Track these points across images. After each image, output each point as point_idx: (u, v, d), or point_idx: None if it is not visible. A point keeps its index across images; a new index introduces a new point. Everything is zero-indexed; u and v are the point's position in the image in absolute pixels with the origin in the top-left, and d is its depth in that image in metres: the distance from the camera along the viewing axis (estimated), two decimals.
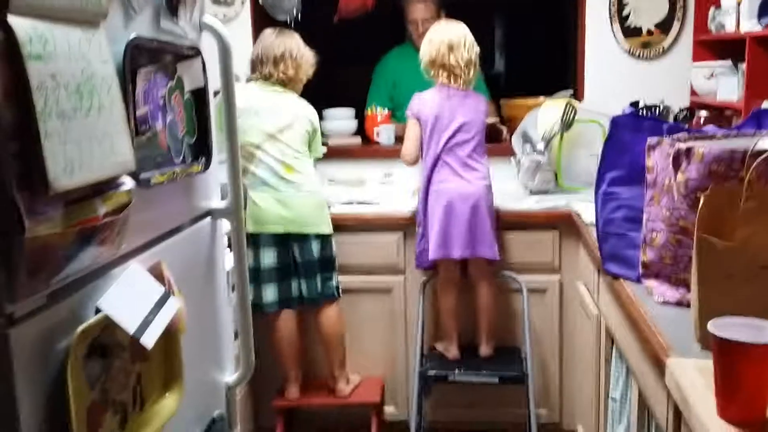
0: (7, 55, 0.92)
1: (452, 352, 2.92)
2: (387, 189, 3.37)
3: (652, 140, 1.79)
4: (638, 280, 1.89)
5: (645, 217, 1.83)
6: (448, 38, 2.78)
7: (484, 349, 2.91)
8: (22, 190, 0.94)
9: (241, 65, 3.43)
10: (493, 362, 2.90)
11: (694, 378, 1.32)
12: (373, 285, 3.07)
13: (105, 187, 1.13)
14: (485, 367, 2.86)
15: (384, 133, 3.56)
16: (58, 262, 1.02)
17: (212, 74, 1.64)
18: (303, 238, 2.82)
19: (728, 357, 1.14)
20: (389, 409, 3.14)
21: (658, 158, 1.77)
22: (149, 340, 1.17)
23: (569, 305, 2.97)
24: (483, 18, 6.88)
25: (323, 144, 3.48)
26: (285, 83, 2.87)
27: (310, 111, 2.91)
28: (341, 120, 3.69)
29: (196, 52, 1.55)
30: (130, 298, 1.19)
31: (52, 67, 0.99)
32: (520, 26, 6.66)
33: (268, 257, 2.84)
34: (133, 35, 1.27)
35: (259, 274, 2.85)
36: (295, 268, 2.89)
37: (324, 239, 2.86)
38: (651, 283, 1.83)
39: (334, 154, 3.53)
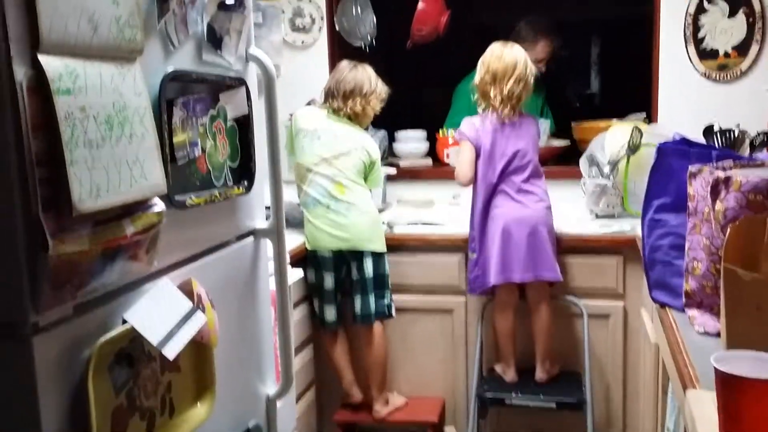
0: (37, 89, 1.03)
1: (509, 375, 2.92)
2: (454, 210, 3.41)
3: (693, 168, 1.77)
4: (683, 309, 1.87)
5: (687, 245, 1.80)
6: (494, 68, 2.80)
7: (539, 374, 2.90)
8: (48, 211, 1.04)
9: (318, 89, 3.57)
10: (551, 387, 2.88)
11: (709, 411, 1.30)
12: (435, 305, 3.10)
13: (135, 208, 1.23)
14: (543, 392, 2.85)
15: (454, 156, 3.60)
16: (84, 277, 1.13)
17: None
18: (358, 256, 2.89)
19: (730, 392, 1.13)
20: (449, 429, 3.15)
21: (698, 186, 1.75)
22: (171, 351, 1.26)
23: (634, 332, 2.92)
24: (580, 37, 6.87)
25: (393, 165, 3.57)
26: (351, 118, 2.96)
27: (370, 143, 2.97)
28: (413, 142, 3.75)
29: (240, 82, 1.64)
30: (156, 311, 1.28)
31: (81, 100, 1.09)
32: (612, 47, 6.59)
33: (328, 279, 2.92)
34: (170, 68, 1.37)
35: (321, 293, 2.95)
36: (351, 286, 2.96)
37: (378, 257, 2.91)
38: (693, 312, 1.80)
39: (405, 174, 3.61)
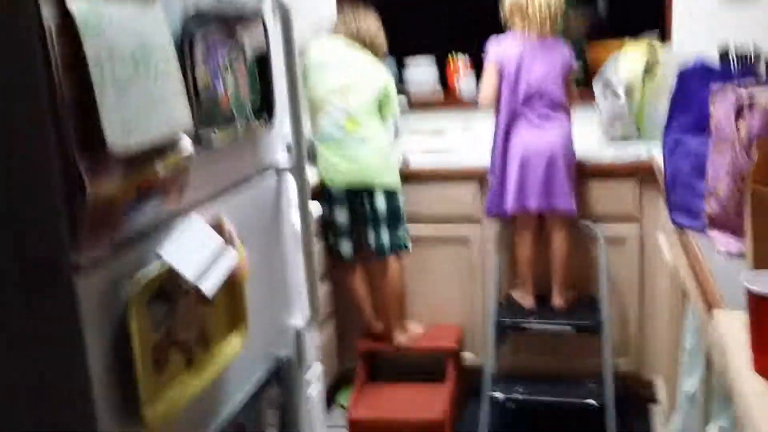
0: (66, 33, 1.02)
1: (527, 301, 2.96)
2: (466, 138, 3.40)
3: (715, 88, 1.75)
4: (704, 231, 1.88)
5: (709, 167, 1.80)
6: None
7: (557, 300, 2.93)
8: (83, 152, 1.05)
9: (323, 17, 3.51)
10: (568, 311, 2.92)
11: (736, 331, 1.32)
12: (450, 234, 3.13)
13: (164, 148, 1.24)
14: (560, 317, 2.89)
15: (465, 83, 3.57)
16: (120, 217, 1.14)
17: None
18: (370, 191, 2.90)
19: (761, 311, 1.15)
20: (467, 356, 3.22)
21: (721, 107, 1.74)
22: (208, 288, 1.28)
23: (650, 255, 2.94)
24: None
25: (403, 93, 3.53)
26: (367, 45, 2.93)
27: (384, 75, 2.96)
28: (423, 68, 3.70)
29: (257, 17, 1.62)
30: (189, 247, 1.30)
31: (108, 41, 1.09)
32: None
33: (341, 214, 2.94)
34: (190, 6, 1.35)
35: (335, 227, 2.97)
36: (365, 220, 2.97)
37: (390, 192, 2.91)
38: (715, 234, 1.81)
39: (415, 104, 3.58)
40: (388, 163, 2.92)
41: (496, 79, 2.81)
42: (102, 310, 1.13)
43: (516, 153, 2.79)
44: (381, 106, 2.92)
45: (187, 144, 1.28)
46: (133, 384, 1.18)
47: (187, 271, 1.26)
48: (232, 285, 1.50)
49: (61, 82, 1.01)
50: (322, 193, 2.95)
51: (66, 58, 1.02)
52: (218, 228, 1.40)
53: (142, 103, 1.16)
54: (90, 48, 1.04)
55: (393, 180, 2.92)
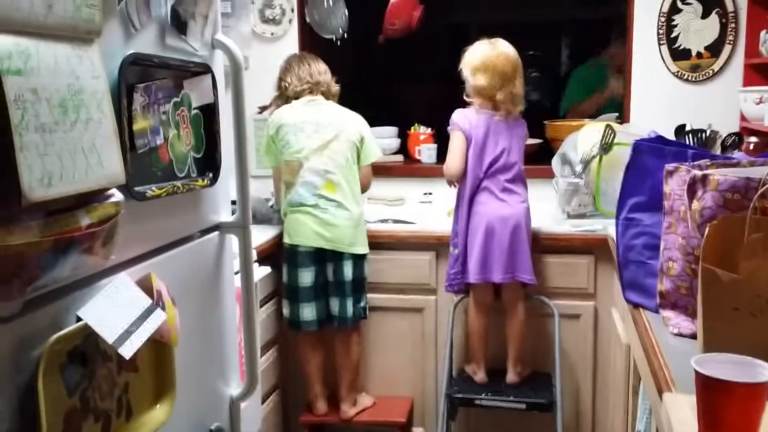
0: None
1: (479, 375, 2.88)
2: (425, 208, 3.37)
3: (669, 167, 1.74)
4: (657, 310, 1.84)
5: (662, 245, 1.77)
6: (501, 70, 2.72)
7: (511, 376, 2.86)
8: None
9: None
10: (521, 388, 2.84)
11: (686, 415, 1.26)
12: (405, 304, 3.06)
13: (91, 198, 1.16)
14: (513, 393, 2.81)
15: (425, 152, 3.56)
16: (34, 271, 1.05)
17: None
18: (338, 257, 2.83)
19: (710, 395, 1.10)
20: (417, 430, 3.11)
21: (675, 185, 1.72)
22: (128, 350, 1.19)
23: (604, 332, 2.90)
24: (550, 38, 6.86)
25: None
26: (326, 96, 2.92)
27: (356, 120, 2.94)
28: (384, 138, 3.70)
29: (205, 68, 1.57)
30: (113, 308, 1.21)
31: (33, 81, 1.02)
32: (584, 47, 6.59)
33: (306, 277, 2.85)
34: (130, 52, 1.30)
35: (297, 292, 2.87)
36: (328, 287, 2.90)
37: (358, 259, 2.86)
38: (667, 313, 1.77)
39: (376, 171, 3.54)
40: (359, 230, 2.87)
41: (464, 148, 2.78)
42: (7, 373, 1.04)
43: (480, 223, 2.74)
44: (358, 153, 2.88)
45: (116, 196, 1.21)
46: None
47: (108, 333, 1.17)
48: (160, 350, 1.41)
49: None
50: (286, 254, 2.87)
51: None
52: (147, 287, 1.32)
53: (68, 152, 1.09)
54: (10, 87, 0.97)
55: (363, 247, 2.87)
